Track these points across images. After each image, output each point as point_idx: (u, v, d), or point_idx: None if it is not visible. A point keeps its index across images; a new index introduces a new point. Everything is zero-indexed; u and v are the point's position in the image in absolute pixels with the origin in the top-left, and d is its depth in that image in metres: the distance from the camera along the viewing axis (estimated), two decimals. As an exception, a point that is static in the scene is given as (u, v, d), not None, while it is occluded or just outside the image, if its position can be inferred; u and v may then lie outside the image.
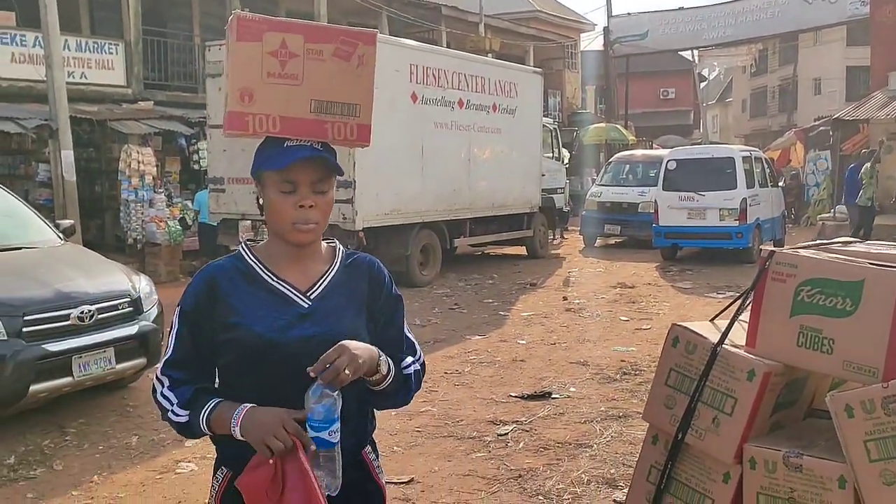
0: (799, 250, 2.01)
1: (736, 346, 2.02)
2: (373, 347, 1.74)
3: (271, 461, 1.59)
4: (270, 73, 1.72)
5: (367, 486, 1.89)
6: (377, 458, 1.96)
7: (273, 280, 1.79)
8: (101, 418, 5.68)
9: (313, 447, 1.62)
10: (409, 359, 1.88)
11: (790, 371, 1.99)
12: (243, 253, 1.84)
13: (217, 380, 1.84)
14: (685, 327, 2.14)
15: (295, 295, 1.78)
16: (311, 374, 1.61)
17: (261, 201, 1.81)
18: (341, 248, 1.91)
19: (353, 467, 1.83)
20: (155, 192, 13.23)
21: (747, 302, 2.05)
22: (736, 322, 2.08)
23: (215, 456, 1.88)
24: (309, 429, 1.61)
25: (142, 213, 12.99)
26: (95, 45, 15.11)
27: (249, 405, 1.67)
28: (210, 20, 18.06)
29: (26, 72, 13.58)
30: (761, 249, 2.05)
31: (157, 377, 1.80)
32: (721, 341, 2.02)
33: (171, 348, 1.80)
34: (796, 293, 1.92)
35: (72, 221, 7.63)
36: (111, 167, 14.02)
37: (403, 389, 1.85)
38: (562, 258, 15.07)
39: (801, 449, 1.89)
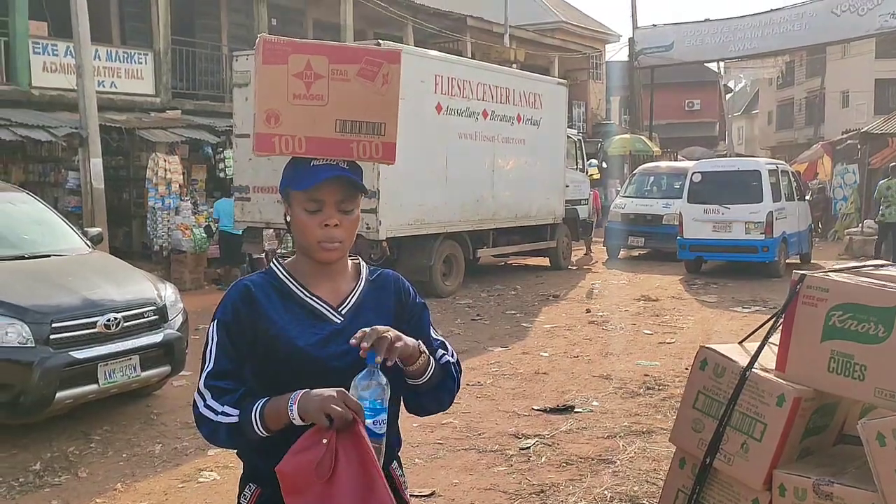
0: (830, 274, 1.98)
1: (766, 371, 2.00)
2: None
3: (325, 440, 1.57)
4: (296, 95, 1.75)
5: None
6: (402, 473, 1.97)
7: (306, 296, 1.81)
8: (126, 426, 5.73)
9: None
10: (442, 351, 1.89)
11: (821, 397, 1.96)
12: (275, 269, 1.86)
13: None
14: (714, 350, 2.12)
15: (328, 311, 1.81)
16: (353, 343, 1.62)
17: (288, 218, 1.83)
18: (364, 264, 1.93)
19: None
20: (181, 199, 13.36)
21: (777, 325, 2.03)
22: (766, 345, 2.05)
23: (242, 472, 1.88)
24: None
25: (168, 221, 13.12)
26: (125, 55, 15.32)
27: (304, 390, 1.65)
28: (238, 30, 18.28)
29: (58, 81, 13.80)
30: (793, 272, 2.03)
31: (198, 391, 1.77)
32: (751, 365, 2.00)
33: (212, 359, 1.78)
34: (828, 318, 1.89)
35: (100, 230, 7.72)
36: (139, 175, 14.19)
37: (445, 385, 1.85)
38: (586, 270, 15.00)
39: (832, 476, 1.86)
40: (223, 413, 1.72)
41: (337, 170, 1.78)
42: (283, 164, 1.86)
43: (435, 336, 1.93)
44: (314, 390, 1.64)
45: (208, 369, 1.78)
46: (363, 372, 1.63)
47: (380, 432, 1.62)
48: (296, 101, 1.75)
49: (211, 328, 1.81)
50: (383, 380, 1.63)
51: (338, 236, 1.77)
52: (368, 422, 1.60)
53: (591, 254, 17.42)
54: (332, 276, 1.84)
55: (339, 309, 1.82)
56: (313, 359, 1.75)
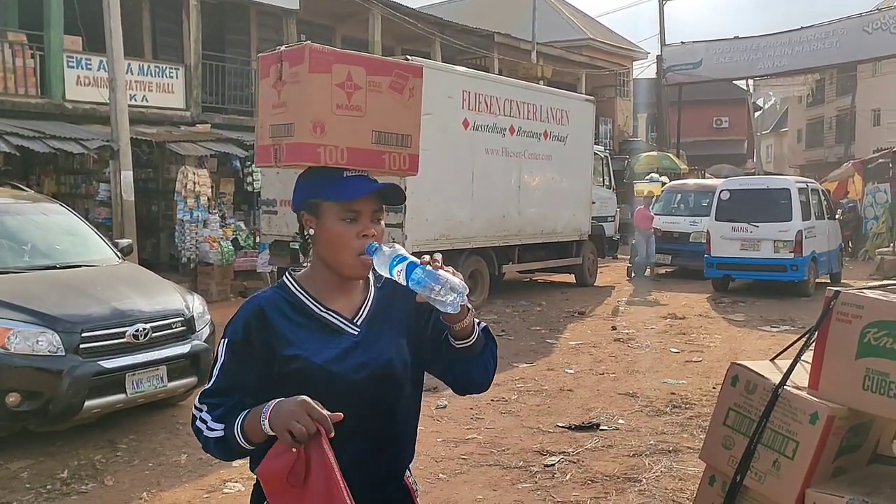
0: (865, 291, 1.95)
1: (798, 388, 1.97)
2: None
3: (294, 449, 1.59)
4: (339, 105, 1.76)
5: None
6: (416, 484, 1.97)
7: (321, 310, 1.81)
8: (152, 435, 5.77)
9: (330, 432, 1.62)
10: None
11: (855, 415, 1.93)
12: (287, 283, 1.85)
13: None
14: (745, 366, 2.09)
15: (344, 324, 1.81)
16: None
17: (311, 231, 1.81)
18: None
19: (398, 492, 1.87)
20: (209, 212, 13.48)
21: (810, 342, 2.00)
22: (798, 362, 2.02)
23: (255, 484, 1.87)
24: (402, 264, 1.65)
25: (196, 234, 13.25)
26: (157, 69, 15.57)
27: (278, 399, 1.66)
28: (267, 45, 18.47)
29: (91, 94, 14.05)
30: (826, 289, 2.00)
31: (195, 406, 1.80)
32: (783, 382, 1.97)
33: (214, 379, 1.79)
34: (862, 335, 1.86)
35: (129, 241, 7.81)
36: (168, 188, 14.36)
37: (489, 349, 1.84)
38: (611, 287, 14.91)
39: (865, 496, 1.82)
40: (209, 428, 1.75)
41: (375, 183, 1.80)
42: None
43: None
44: (284, 401, 1.65)
45: (208, 387, 1.80)
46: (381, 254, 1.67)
47: (414, 261, 1.64)
48: (339, 112, 1.76)
49: (220, 346, 1.81)
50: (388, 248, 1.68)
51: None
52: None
53: (646, 275, 16.04)
54: (346, 289, 1.84)
55: (354, 320, 1.82)
56: (332, 374, 1.75)
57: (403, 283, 1.64)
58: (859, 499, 1.81)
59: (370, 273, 1.89)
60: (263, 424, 1.64)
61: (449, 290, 1.59)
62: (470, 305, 1.75)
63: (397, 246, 1.71)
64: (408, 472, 1.93)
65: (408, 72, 1.85)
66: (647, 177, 19.60)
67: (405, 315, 1.87)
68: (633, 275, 15.96)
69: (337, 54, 1.77)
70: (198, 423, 1.77)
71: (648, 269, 15.98)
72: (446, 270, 1.64)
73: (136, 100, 14.41)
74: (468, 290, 1.63)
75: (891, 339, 1.81)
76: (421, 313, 1.87)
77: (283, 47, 1.83)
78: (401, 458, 1.87)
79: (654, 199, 16.53)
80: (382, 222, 1.82)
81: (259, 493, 1.86)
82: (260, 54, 1.92)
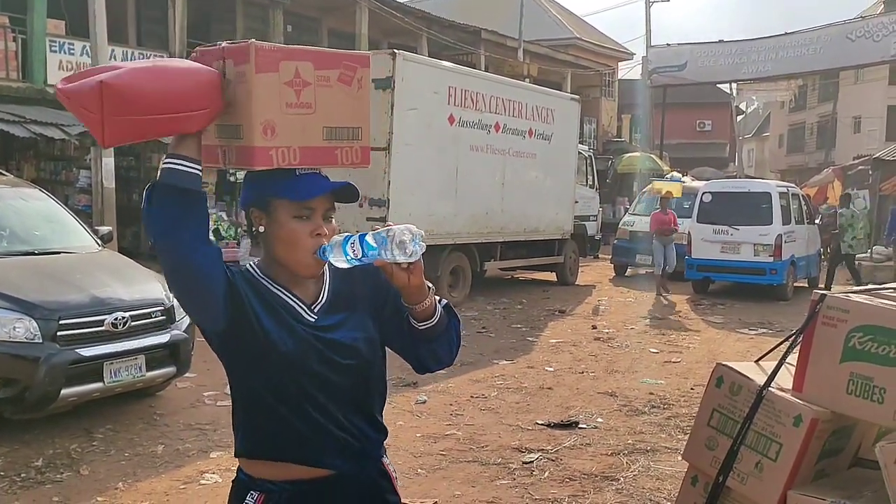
0: (851, 295, 1.96)
1: (782, 390, 1.98)
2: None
3: None
4: (289, 104, 1.71)
5: (390, 497, 1.93)
6: (395, 472, 1.99)
7: (284, 294, 1.81)
8: (129, 425, 5.72)
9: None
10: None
11: (838, 419, 1.94)
12: (251, 269, 1.84)
13: (238, 401, 1.85)
14: (730, 367, 2.10)
15: (303, 309, 1.81)
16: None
17: (262, 229, 1.79)
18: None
19: (380, 477, 1.90)
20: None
21: (795, 345, 2.01)
22: (783, 365, 2.03)
23: (236, 477, 1.88)
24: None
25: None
26: (141, 56, 15.40)
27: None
28: (254, 35, 18.23)
29: (73, 79, 13.87)
30: (812, 292, 2.01)
31: None
32: (767, 384, 1.98)
33: None
34: (847, 339, 1.87)
35: (110, 228, 7.72)
36: (150, 176, 14.22)
37: (452, 326, 1.86)
38: (592, 286, 14.97)
39: (847, 499, 1.84)
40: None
41: (329, 182, 1.79)
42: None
43: None
44: None
45: None
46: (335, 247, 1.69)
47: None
48: (288, 111, 1.71)
49: None
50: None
51: (325, 245, 1.78)
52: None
53: (664, 295, 13.55)
54: (301, 279, 1.83)
55: (313, 306, 1.82)
56: (292, 360, 1.75)
57: (361, 258, 1.64)
58: (841, 502, 1.82)
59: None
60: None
61: (402, 240, 1.61)
62: (430, 285, 1.76)
63: (335, 237, 1.72)
64: (386, 458, 1.95)
65: (355, 62, 1.82)
66: (668, 175, 17.94)
67: (364, 294, 1.88)
68: (663, 292, 13.53)
69: (284, 51, 1.72)
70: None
71: (660, 279, 13.69)
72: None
73: (118, 86, 14.25)
74: (421, 232, 1.64)
75: (876, 344, 1.82)
76: (378, 291, 1.88)
77: (224, 43, 1.77)
78: (374, 433, 1.88)
79: (671, 201, 14.21)
80: (333, 220, 1.81)
81: (239, 489, 1.84)
82: (197, 48, 1.86)
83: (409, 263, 1.64)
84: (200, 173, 1.67)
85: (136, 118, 1.60)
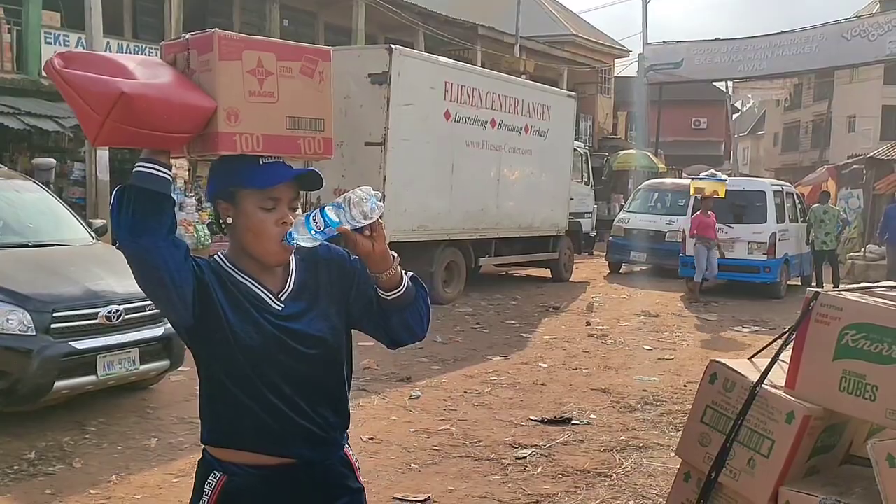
0: (844, 293, 1.97)
1: (776, 387, 1.98)
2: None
3: None
4: (252, 92, 1.75)
5: (352, 485, 1.95)
6: (358, 462, 2.01)
7: (252, 284, 1.82)
8: (121, 418, 5.71)
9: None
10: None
11: (830, 415, 1.95)
12: (219, 260, 1.86)
13: (205, 390, 1.87)
14: (724, 364, 2.10)
15: (270, 298, 1.83)
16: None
17: (229, 220, 1.81)
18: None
19: (342, 465, 1.92)
20: (185, 195, 13.35)
21: (788, 342, 2.01)
22: (776, 362, 2.03)
23: (201, 458, 1.90)
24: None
25: (171, 216, 13.11)
26: (137, 49, 15.36)
27: None
28: (249, 30, 18.31)
29: (67, 71, 13.80)
30: (807, 289, 2.02)
31: None
32: (761, 381, 1.98)
33: None
34: (840, 337, 1.88)
35: (104, 221, 7.70)
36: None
37: (420, 295, 1.88)
38: (586, 283, 14.99)
39: (838, 496, 1.84)
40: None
41: (293, 169, 1.81)
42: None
43: None
44: None
45: None
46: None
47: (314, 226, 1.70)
48: (252, 99, 1.75)
49: None
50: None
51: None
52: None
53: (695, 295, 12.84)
54: (268, 268, 1.85)
55: (280, 295, 1.84)
56: (257, 352, 1.78)
57: (325, 230, 1.68)
58: (832, 498, 1.83)
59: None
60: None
61: (360, 199, 1.66)
62: (395, 254, 1.81)
63: (298, 218, 1.75)
64: (348, 447, 1.97)
65: (317, 56, 1.87)
66: (707, 172, 15.89)
67: (329, 283, 1.90)
68: (695, 300, 12.69)
69: (246, 41, 1.77)
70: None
71: (694, 285, 12.80)
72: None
73: (113, 79, 14.20)
74: (378, 193, 1.69)
75: (869, 342, 1.83)
76: (344, 277, 1.91)
77: (188, 35, 1.81)
78: (338, 420, 1.90)
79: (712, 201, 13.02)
80: (298, 210, 1.83)
81: (202, 468, 1.87)
82: (162, 42, 1.93)
83: (372, 229, 1.70)
84: (171, 178, 1.71)
85: (134, 129, 1.63)
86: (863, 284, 2.19)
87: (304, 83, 1.83)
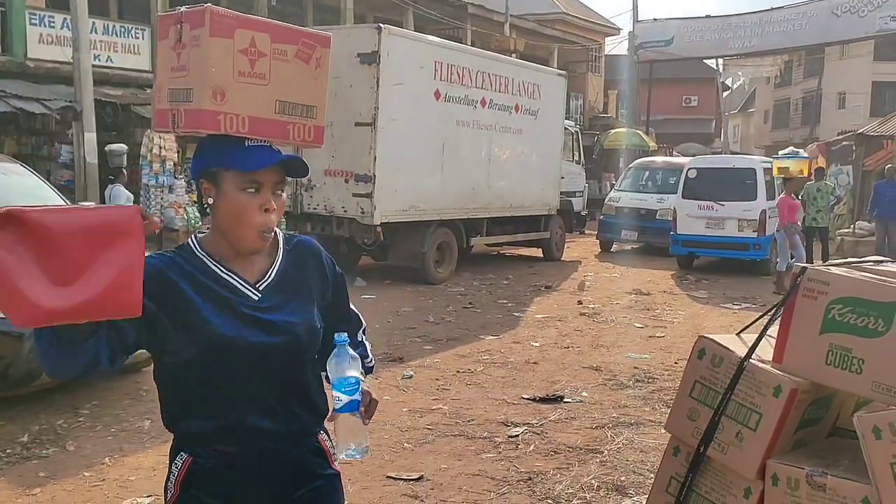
0: (831, 268, 1.99)
1: (763, 362, 2.00)
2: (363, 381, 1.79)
3: None
4: (241, 72, 1.71)
5: (325, 471, 1.92)
6: (332, 445, 1.96)
7: (224, 273, 1.77)
8: (114, 401, 5.71)
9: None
10: (360, 334, 2.02)
11: (817, 389, 1.97)
12: (191, 245, 1.80)
13: (164, 379, 1.81)
14: (712, 340, 2.12)
15: (246, 288, 1.78)
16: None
17: (210, 200, 1.75)
18: (280, 232, 1.89)
19: (312, 454, 1.89)
20: (175, 177, 13.30)
21: (776, 317, 2.03)
22: (764, 337, 2.05)
23: (172, 442, 1.87)
24: (346, 395, 1.71)
25: (161, 199, 13.07)
26: (122, 30, 15.22)
27: None
28: (236, 8, 18.10)
29: (53, 53, 13.71)
30: (794, 265, 2.03)
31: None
32: (748, 356, 2.00)
33: None
34: (827, 311, 1.90)
35: (92, 203, 7.67)
36: (133, 152, 14.11)
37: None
38: (578, 261, 15.03)
39: (825, 468, 1.86)
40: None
41: (278, 154, 1.77)
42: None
43: (351, 307, 2.01)
44: None
45: None
46: (341, 355, 1.73)
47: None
48: (241, 79, 1.71)
49: None
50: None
51: (274, 221, 1.77)
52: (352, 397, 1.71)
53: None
54: (248, 255, 1.80)
55: (258, 285, 1.79)
56: (233, 339, 1.72)
57: (336, 402, 1.71)
58: (819, 470, 1.85)
59: (280, 233, 1.88)
60: None
61: (355, 446, 1.72)
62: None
63: (356, 374, 1.74)
64: (324, 434, 1.94)
65: (315, 41, 1.81)
66: (787, 148, 14.57)
67: (315, 279, 1.88)
68: (782, 289, 11.71)
69: (240, 19, 1.72)
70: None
71: (780, 275, 11.48)
72: (366, 422, 1.74)
73: (100, 60, 14.09)
74: (364, 453, 1.74)
75: (855, 316, 1.85)
76: (325, 279, 1.91)
77: (183, 8, 1.75)
78: (311, 415, 1.87)
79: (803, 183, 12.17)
80: (283, 195, 1.79)
81: (172, 448, 1.85)
82: (159, 14, 1.87)
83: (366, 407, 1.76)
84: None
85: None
86: (850, 259, 2.21)
87: (299, 68, 1.78)
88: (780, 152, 14.01)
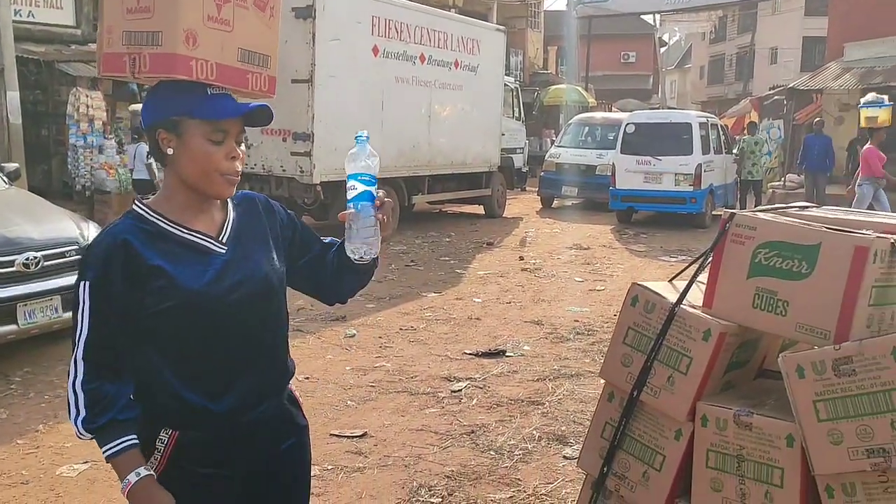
0: (758, 213, 2.03)
1: (694, 307, 2.04)
2: None
3: None
4: (210, 17, 1.68)
5: (299, 420, 1.95)
6: (299, 394, 2.02)
7: (185, 232, 1.72)
8: (47, 368, 5.57)
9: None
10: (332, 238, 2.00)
11: (744, 332, 2.02)
12: (141, 211, 1.73)
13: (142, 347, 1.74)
14: (645, 287, 2.15)
15: (210, 243, 1.74)
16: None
17: (170, 150, 1.69)
18: None
19: (290, 402, 1.91)
20: (105, 138, 12.86)
21: (706, 263, 2.07)
22: (694, 283, 2.09)
23: (145, 416, 1.74)
24: (361, 185, 1.78)
25: (91, 160, 12.64)
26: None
27: (147, 474, 1.65)
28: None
29: (-31, 8, 12.99)
30: (723, 211, 2.07)
31: (74, 361, 1.66)
32: (679, 301, 2.04)
33: (87, 327, 1.65)
34: (754, 255, 1.94)
35: (17, 165, 7.38)
36: (59, 111, 13.58)
37: (376, 264, 1.94)
38: (519, 218, 15.12)
39: (752, 408, 1.92)
40: (81, 421, 1.68)
41: (244, 105, 1.73)
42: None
43: (324, 238, 2.00)
44: (154, 493, 1.65)
45: (84, 337, 1.65)
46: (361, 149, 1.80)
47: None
48: (209, 24, 1.68)
49: (81, 291, 1.66)
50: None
51: (239, 168, 1.74)
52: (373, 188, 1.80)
53: None
54: (205, 209, 1.77)
55: (220, 238, 1.76)
56: (211, 297, 1.68)
57: (350, 191, 1.76)
58: (746, 410, 1.91)
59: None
60: (123, 489, 1.65)
61: (368, 238, 1.77)
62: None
63: (374, 171, 1.81)
64: (292, 386, 1.97)
65: None
66: (870, 96, 12.16)
67: (269, 228, 1.86)
68: None
69: None
70: (74, 388, 1.67)
71: None
72: (378, 218, 1.78)
73: (21, 15, 13.41)
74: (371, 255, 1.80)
75: (780, 259, 1.89)
76: (285, 227, 1.90)
77: None
78: (286, 368, 1.89)
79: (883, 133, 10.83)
80: (244, 145, 1.77)
81: (149, 427, 1.75)
82: None
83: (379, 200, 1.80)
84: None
85: None
86: (777, 205, 2.25)
87: (257, 16, 1.77)
88: (863, 100, 12.20)
